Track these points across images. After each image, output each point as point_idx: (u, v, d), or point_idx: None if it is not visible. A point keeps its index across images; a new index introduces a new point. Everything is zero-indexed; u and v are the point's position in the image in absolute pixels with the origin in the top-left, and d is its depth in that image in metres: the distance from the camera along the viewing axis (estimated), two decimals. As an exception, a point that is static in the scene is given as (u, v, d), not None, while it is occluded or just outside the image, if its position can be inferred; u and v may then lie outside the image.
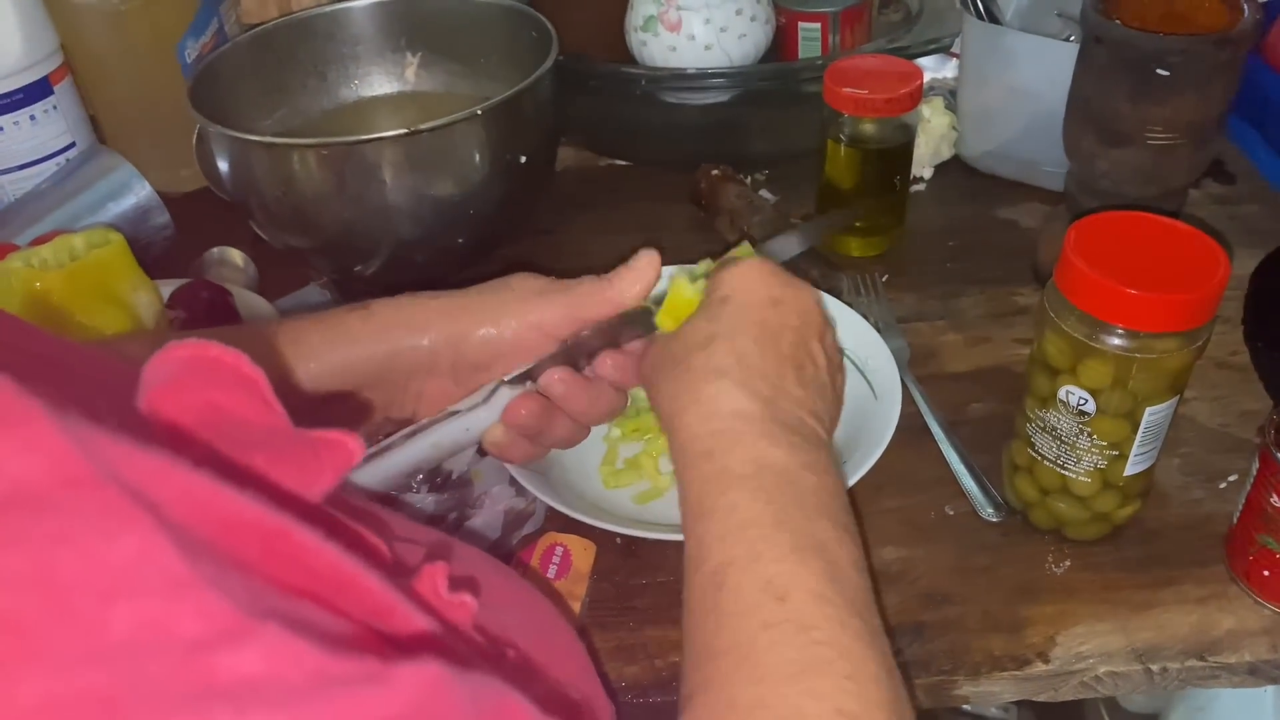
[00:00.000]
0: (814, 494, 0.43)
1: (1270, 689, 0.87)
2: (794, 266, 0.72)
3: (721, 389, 0.46)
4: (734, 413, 0.45)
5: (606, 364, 0.53)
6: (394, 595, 0.25)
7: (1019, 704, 1.04)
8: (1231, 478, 0.62)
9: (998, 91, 0.83)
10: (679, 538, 0.57)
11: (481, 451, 0.60)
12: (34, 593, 0.19)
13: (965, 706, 1.10)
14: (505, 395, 0.52)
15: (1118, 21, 0.64)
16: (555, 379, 0.52)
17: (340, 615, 0.24)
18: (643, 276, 0.52)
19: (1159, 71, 0.62)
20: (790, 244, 0.59)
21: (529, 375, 0.52)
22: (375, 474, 0.52)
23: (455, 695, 0.23)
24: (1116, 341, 0.51)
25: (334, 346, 0.50)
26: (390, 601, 0.25)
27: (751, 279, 0.50)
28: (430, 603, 0.28)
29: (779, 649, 0.37)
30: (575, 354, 0.53)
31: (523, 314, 0.52)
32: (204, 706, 0.19)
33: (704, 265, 0.54)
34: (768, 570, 0.39)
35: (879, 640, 0.39)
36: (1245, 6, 0.63)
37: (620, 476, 0.63)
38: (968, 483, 0.62)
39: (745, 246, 0.54)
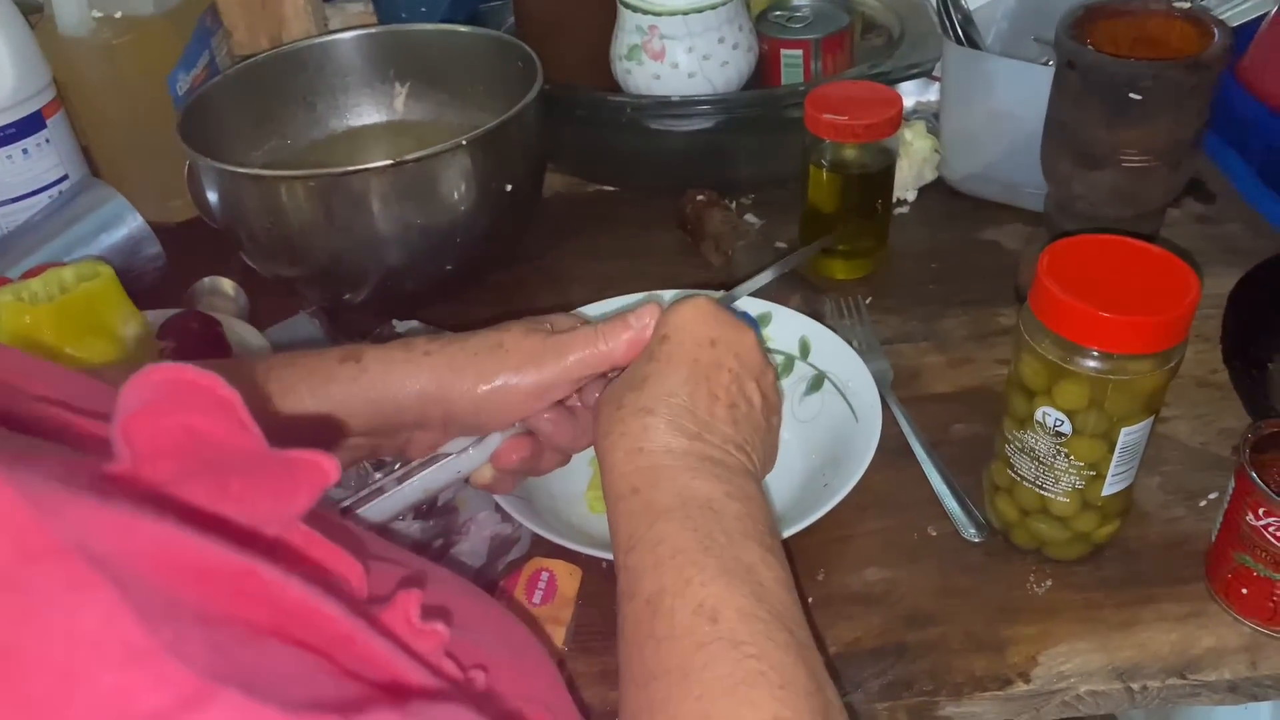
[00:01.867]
0: (738, 520, 0.45)
1: (1267, 707, 0.87)
2: (777, 291, 0.73)
3: (647, 425, 0.47)
4: (659, 448, 0.47)
5: (593, 395, 0.54)
6: (357, 625, 0.25)
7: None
8: (1211, 495, 0.63)
9: (979, 115, 0.84)
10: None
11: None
12: None
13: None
14: (496, 438, 0.53)
15: (1090, 46, 0.65)
16: (545, 419, 0.53)
17: (305, 648, 0.24)
18: (640, 338, 0.52)
19: (1131, 96, 0.63)
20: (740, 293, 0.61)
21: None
22: (366, 517, 0.52)
23: None
24: (1091, 364, 0.52)
25: (321, 401, 0.50)
26: (351, 630, 0.25)
27: (689, 319, 0.51)
28: (400, 631, 0.29)
29: (714, 666, 0.39)
30: None
31: (517, 380, 0.51)
32: None
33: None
34: (698, 594, 0.41)
35: (808, 653, 0.41)
36: (1216, 31, 0.64)
37: (606, 501, 0.64)
38: (950, 503, 0.62)
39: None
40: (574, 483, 0.64)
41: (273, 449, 0.28)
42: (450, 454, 0.53)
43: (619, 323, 0.52)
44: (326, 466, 0.28)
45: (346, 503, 0.52)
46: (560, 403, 0.53)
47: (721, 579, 0.41)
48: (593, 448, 0.58)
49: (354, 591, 0.29)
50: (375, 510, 0.52)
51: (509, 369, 0.51)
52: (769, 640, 0.40)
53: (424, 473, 0.52)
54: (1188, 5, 0.68)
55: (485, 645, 0.37)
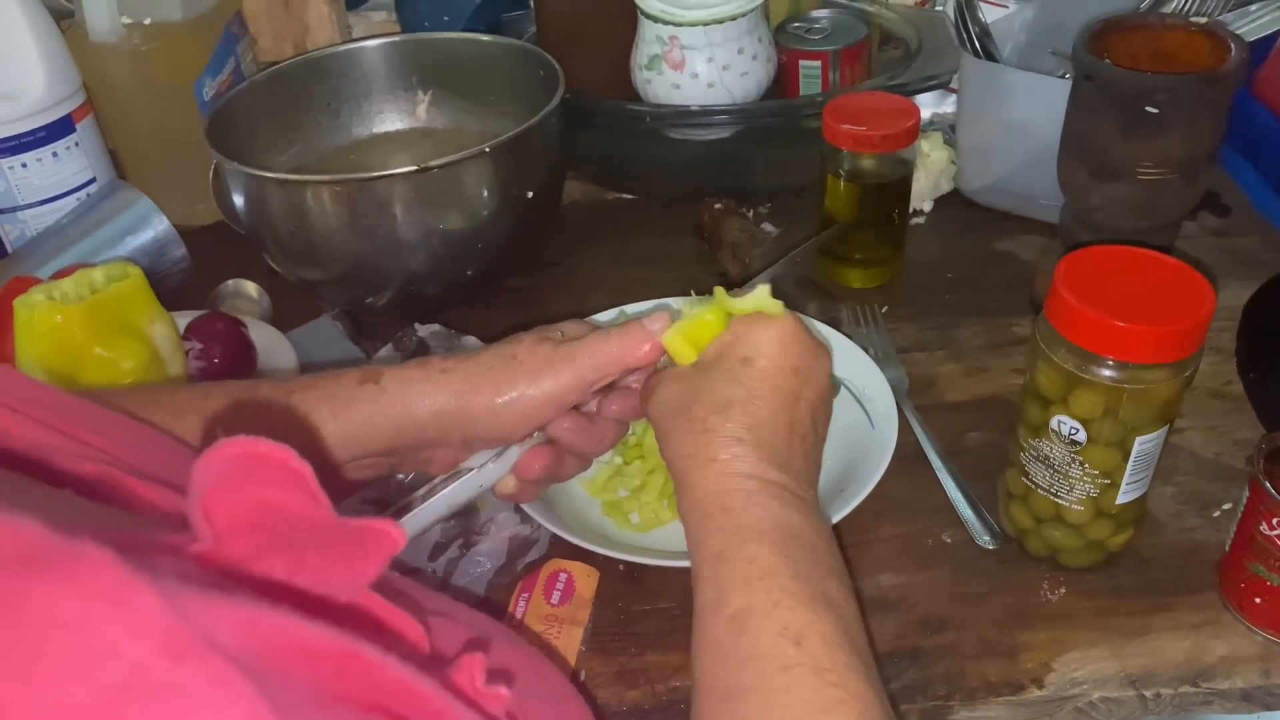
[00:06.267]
0: (823, 555, 0.45)
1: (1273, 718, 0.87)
2: (794, 299, 0.74)
3: (737, 455, 0.47)
4: (748, 474, 0.47)
5: (612, 406, 0.55)
6: (448, 699, 0.26)
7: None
8: (1225, 506, 0.63)
9: (995, 127, 0.85)
10: (681, 564, 0.59)
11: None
12: None
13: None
14: (516, 450, 0.54)
15: (1108, 60, 0.65)
16: (565, 428, 0.53)
17: None
18: (652, 341, 0.52)
19: (1148, 109, 0.64)
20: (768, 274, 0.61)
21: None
22: None
23: None
24: (1106, 373, 0.52)
25: (343, 424, 0.51)
26: (443, 706, 0.26)
27: (777, 344, 0.50)
28: (467, 694, 0.30)
29: (797, 690, 0.39)
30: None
31: (532, 389, 0.52)
32: None
33: (718, 297, 0.53)
34: (785, 617, 0.41)
35: (879, 685, 0.42)
36: (1232, 45, 0.65)
37: (624, 505, 0.64)
38: (965, 510, 0.63)
39: (766, 298, 0.52)
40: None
41: (341, 519, 0.28)
42: (472, 468, 0.53)
43: (632, 327, 0.52)
44: (395, 535, 0.28)
45: None
46: (578, 410, 0.54)
47: (808, 605, 0.42)
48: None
49: (418, 653, 0.30)
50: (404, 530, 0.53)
51: (524, 380, 0.51)
52: (850, 670, 0.40)
53: (447, 489, 0.53)
54: (1204, 20, 0.69)
55: (533, 699, 0.37)
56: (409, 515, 0.52)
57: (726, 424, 0.48)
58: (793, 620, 0.41)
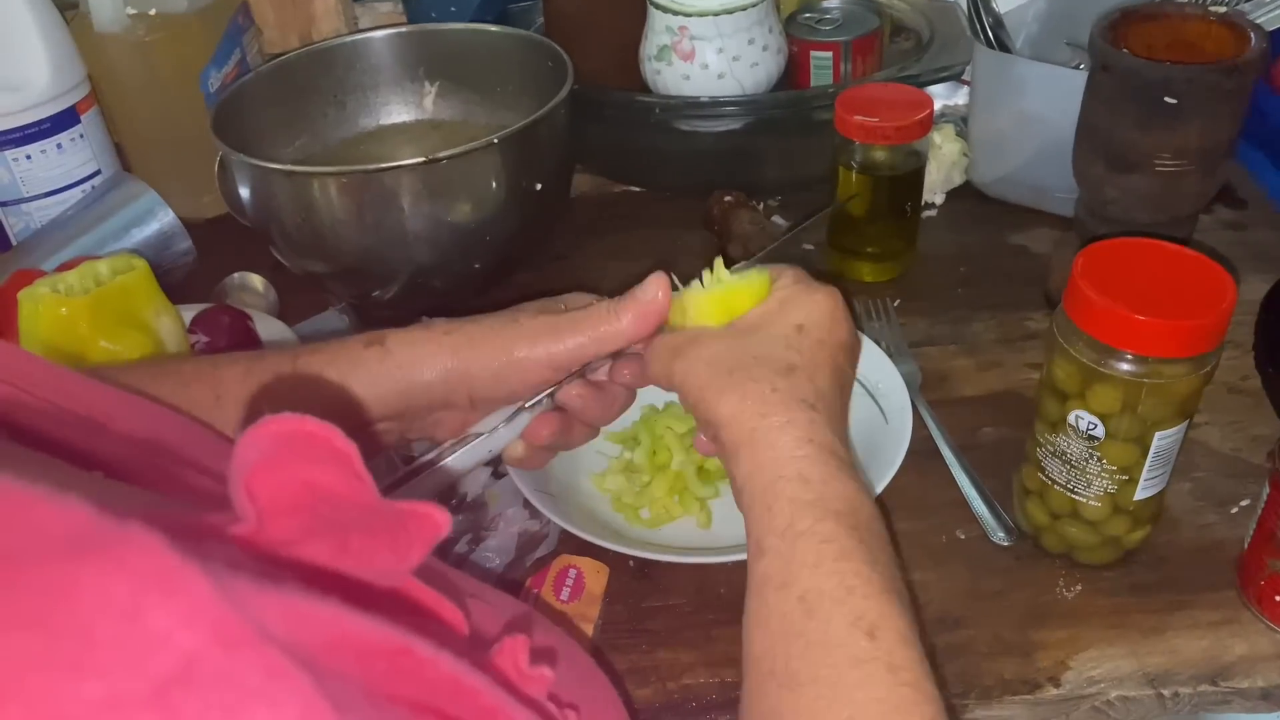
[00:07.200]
0: (889, 545, 0.44)
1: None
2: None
3: (813, 420, 0.46)
4: (825, 446, 0.45)
5: (622, 372, 0.55)
6: (499, 695, 0.26)
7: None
8: (1244, 502, 0.62)
9: (1008, 119, 0.84)
10: (692, 560, 0.58)
11: (497, 474, 0.62)
12: None
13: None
14: (525, 417, 0.54)
15: (1125, 50, 0.64)
16: (573, 395, 0.54)
17: None
18: (654, 310, 0.52)
19: (1166, 100, 0.63)
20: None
21: (548, 394, 0.54)
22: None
23: None
24: (1125, 367, 0.51)
25: (350, 386, 0.51)
26: (496, 703, 0.26)
27: (830, 316, 0.51)
28: (510, 676, 0.29)
29: (869, 687, 0.38)
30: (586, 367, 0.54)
31: (533, 351, 0.52)
32: None
33: (720, 273, 0.53)
34: (860, 606, 0.40)
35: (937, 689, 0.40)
36: (1252, 35, 0.64)
37: (634, 500, 0.64)
38: (979, 507, 0.62)
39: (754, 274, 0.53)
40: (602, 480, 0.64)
41: (385, 501, 0.28)
42: (481, 434, 0.53)
43: (630, 300, 0.53)
44: (439, 518, 0.27)
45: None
46: (587, 378, 0.54)
47: (883, 596, 0.40)
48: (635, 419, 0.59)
49: (458, 636, 0.29)
50: (412, 493, 0.52)
51: (525, 341, 0.52)
52: (921, 669, 0.39)
53: (457, 453, 0.53)
54: (1223, 9, 0.68)
55: (564, 680, 0.37)
56: (419, 479, 0.52)
57: (796, 388, 0.47)
58: (867, 610, 0.40)
